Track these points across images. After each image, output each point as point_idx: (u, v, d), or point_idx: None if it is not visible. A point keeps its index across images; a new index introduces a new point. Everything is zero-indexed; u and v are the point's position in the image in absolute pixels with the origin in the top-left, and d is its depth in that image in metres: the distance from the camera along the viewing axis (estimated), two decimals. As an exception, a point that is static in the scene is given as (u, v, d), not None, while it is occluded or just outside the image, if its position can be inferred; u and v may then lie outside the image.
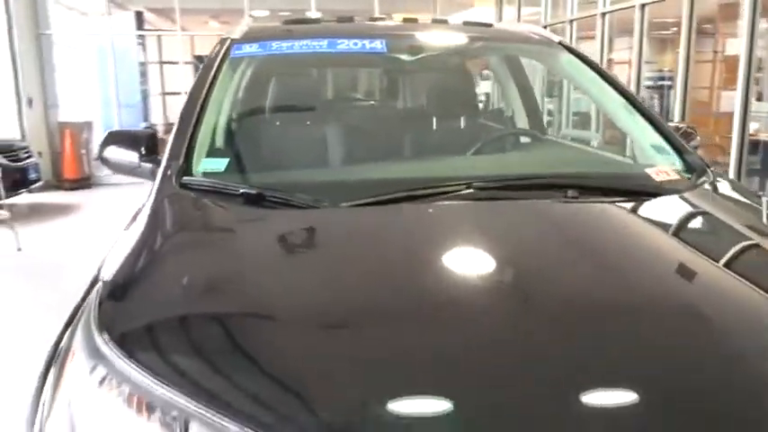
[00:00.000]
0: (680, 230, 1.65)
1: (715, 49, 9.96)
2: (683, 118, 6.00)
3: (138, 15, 11.33)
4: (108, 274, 1.35)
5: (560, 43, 2.56)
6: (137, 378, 1.01)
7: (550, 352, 1.08)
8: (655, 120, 2.21)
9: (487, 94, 6.89)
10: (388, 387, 1.00)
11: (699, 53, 10.62)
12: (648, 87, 10.67)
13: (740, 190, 1.91)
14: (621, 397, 1.00)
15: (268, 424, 0.92)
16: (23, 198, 8.01)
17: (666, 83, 10.15)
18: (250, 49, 2.33)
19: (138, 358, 1.04)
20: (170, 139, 1.93)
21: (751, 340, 1.14)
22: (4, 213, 6.16)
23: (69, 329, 1.24)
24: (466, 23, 2.71)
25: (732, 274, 1.40)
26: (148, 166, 1.97)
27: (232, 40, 2.33)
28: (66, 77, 10.90)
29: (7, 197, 6.29)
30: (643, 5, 6.74)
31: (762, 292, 1.28)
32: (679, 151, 2.06)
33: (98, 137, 10.55)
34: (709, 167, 2.01)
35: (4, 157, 7.32)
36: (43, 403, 1.14)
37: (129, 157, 2.02)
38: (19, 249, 5.90)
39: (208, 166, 1.84)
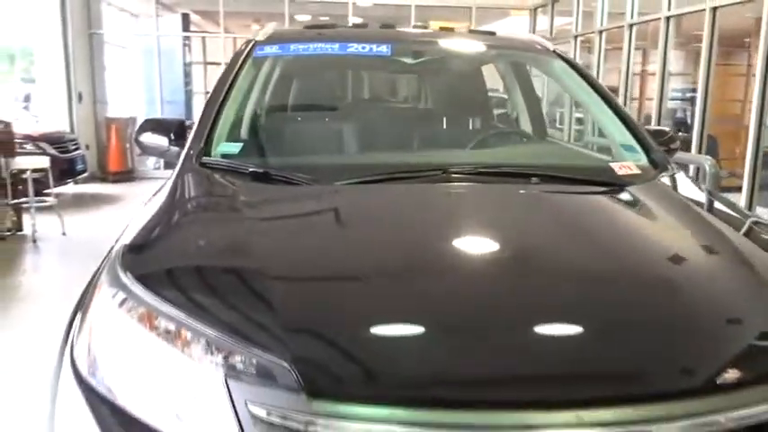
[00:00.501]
0: (618, 210, 1.90)
1: (749, 63, 9.96)
2: (702, 128, 6.12)
3: (185, 17, 11.84)
4: (131, 231, 1.66)
5: (555, 51, 2.80)
6: (149, 301, 1.30)
7: (490, 263, 1.52)
8: (629, 121, 2.43)
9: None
10: (365, 306, 1.30)
11: (734, 66, 10.65)
12: (681, 99, 10.70)
13: (691, 183, 2.12)
14: (557, 311, 1.33)
15: (243, 332, 1.20)
16: (69, 188, 8.53)
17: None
18: (271, 50, 2.63)
19: (152, 288, 1.33)
20: (194, 125, 2.24)
21: (650, 278, 1.49)
22: (52, 200, 6.63)
23: (96, 278, 1.54)
24: (471, 32, 2.97)
25: (645, 238, 1.72)
26: (176, 149, 2.27)
27: (256, 41, 2.63)
28: (115, 75, 11.49)
29: (55, 186, 6.74)
30: (668, 18, 6.88)
31: (662, 249, 1.64)
32: (647, 149, 2.28)
33: (142, 132, 11.10)
34: (670, 164, 2.23)
35: (54, 147, 7.82)
36: (73, 333, 1.43)
37: (160, 141, 2.34)
38: (63, 233, 6.37)
39: (225, 149, 2.15)
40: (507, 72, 3.43)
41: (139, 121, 9.63)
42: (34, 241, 6.15)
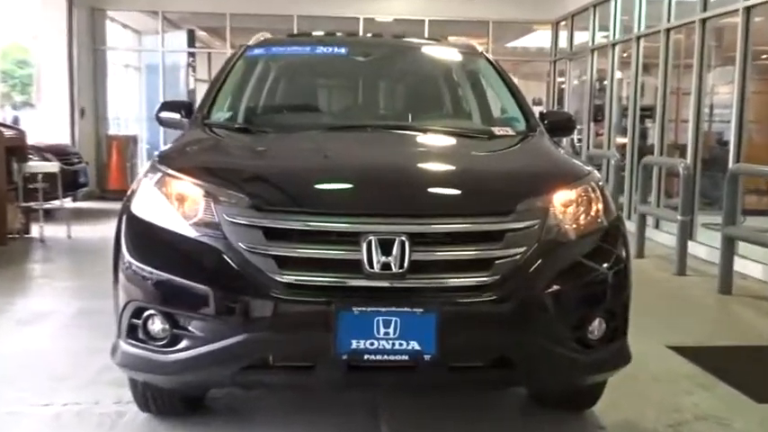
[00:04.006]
0: (472, 142, 3.55)
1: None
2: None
3: (191, 34, 13.81)
4: (163, 150, 3.29)
5: (482, 53, 4.42)
6: (174, 174, 2.87)
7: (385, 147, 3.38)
8: (522, 102, 3.99)
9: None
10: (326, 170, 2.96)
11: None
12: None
13: (543, 139, 3.63)
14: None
15: (223, 183, 2.77)
16: (69, 204, 10.30)
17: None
18: (258, 51, 4.29)
19: (175, 170, 2.90)
20: (200, 101, 3.90)
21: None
22: (60, 203, 8.39)
23: (138, 179, 3.13)
24: (419, 39, 4.62)
25: (477, 147, 3.47)
26: (186, 120, 3.91)
27: (247, 45, 4.30)
28: (116, 93, 13.45)
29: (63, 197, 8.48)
30: (638, 38, 8.51)
31: (483, 151, 3.42)
32: (527, 120, 3.83)
33: (142, 151, 12.97)
34: (540, 131, 3.75)
35: (59, 159, 9.60)
36: (128, 196, 3.02)
37: (175, 116, 3.98)
38: (69, 237, 8.08)
39: (218, 115, 3.82)
40: (459, 72, 5.01)
41: (140, 140, 11.74)
42: (42, 241, 7.88)
